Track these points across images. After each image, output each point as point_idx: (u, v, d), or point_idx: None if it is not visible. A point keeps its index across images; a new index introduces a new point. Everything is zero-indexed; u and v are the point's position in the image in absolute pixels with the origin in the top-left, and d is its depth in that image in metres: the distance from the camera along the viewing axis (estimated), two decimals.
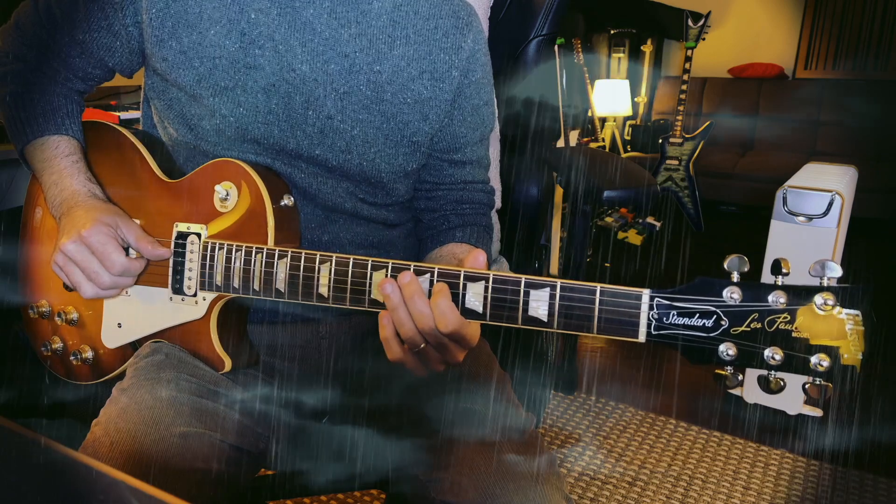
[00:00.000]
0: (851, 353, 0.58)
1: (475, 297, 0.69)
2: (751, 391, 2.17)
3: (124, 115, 1.83)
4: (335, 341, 0.98)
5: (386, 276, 0.73)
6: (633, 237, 3.96)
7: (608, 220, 3.98)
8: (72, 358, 0.92)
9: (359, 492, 1.72)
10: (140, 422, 0.76)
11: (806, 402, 2.12)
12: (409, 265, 0.72)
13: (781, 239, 2.02)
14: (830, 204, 1.95)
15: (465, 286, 0.69)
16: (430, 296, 0.70)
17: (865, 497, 1.79)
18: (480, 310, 0.69)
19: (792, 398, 2.11)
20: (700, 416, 2.17)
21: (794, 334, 0.59)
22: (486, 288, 0.68)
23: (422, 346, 0.72)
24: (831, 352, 0.58)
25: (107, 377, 0.92)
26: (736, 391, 2.21)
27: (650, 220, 4.10)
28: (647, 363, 2.59)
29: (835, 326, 0.58)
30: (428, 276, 0.71)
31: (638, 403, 2.24)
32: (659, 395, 2.32)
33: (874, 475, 1.88)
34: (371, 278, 0.73)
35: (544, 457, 0.79)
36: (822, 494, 1.80)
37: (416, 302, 0.70)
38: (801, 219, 1.99)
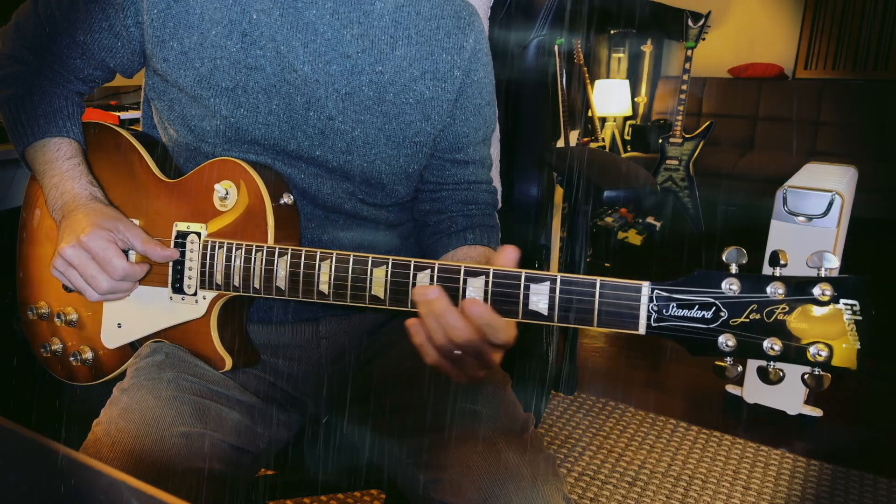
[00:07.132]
0: (850, 342, 0.58)
1: (475, 291, 0.69)
2: (751, 391, 2.17)
3: (124, 115, 1.83)
4: (335, 341, 0.98)
5: (386, 273, 0.73)
6: (633, 237, 3.96)
7: (608, 220, 3.98)
8: (71, 359, 0.92)
9: (359, 492, 1.72)
10: (141, 422, 0.76)
11: (806, 402, 2.12)
12: (410, 261, 0.72)
13: (781, 239, 2.02)
14: (830, 204, 1.95)
15: (465, 281, 0.69)
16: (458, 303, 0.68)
17: (865, 497, 1.79)
18: None
19: (792, 398, 2.11)
20: (700, 416, 2.17)
21: (792, 325, 0.59)
22: (487, 283, 0.68)
23: (456, 352, 0.69)
24: (830, 342, 0.58)
25: (106, 378, 0.92)
26: (736, 391, 2.21)
27: (650, 220, 4.10)
28: (647, 363, 2.59)
29: (833, 317, 0.58)
30: (428, 271, 0.71)
31: (638, 403, 2.24)
32: (659, 395, 2.32)
33: (874, 475, 1.88)
34: (371, 275, 0.73)
35: (544, 457, 0.79)
36: (821, 494, 1.80)
37: (446, 318, 0.67)
38: (801, 219, 1.98)
